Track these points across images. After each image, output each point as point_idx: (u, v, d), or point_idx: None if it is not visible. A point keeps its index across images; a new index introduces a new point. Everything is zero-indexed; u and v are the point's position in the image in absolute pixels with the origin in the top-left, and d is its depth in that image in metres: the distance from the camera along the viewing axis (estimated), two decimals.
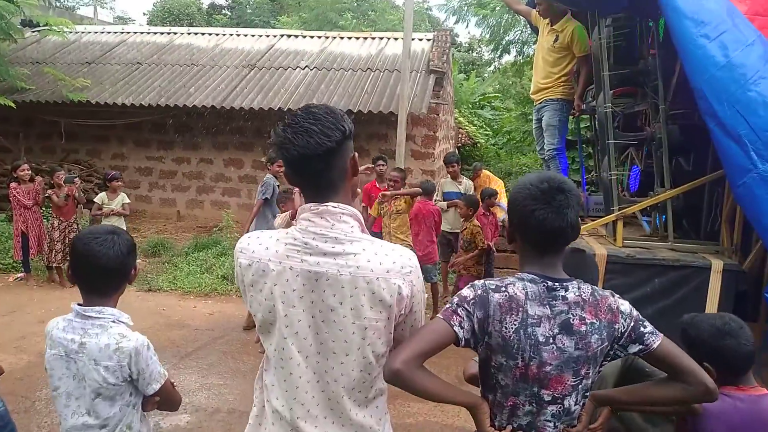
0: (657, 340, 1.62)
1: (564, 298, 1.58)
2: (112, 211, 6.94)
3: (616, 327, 1.60)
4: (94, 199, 7.12)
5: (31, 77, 10.31)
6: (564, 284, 1.60)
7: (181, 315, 6.19)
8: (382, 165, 6.95)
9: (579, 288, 1.61)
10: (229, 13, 29.74)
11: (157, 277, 7.44)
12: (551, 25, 4.41)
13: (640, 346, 1.62)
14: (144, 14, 29.72)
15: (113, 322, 1.82)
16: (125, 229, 7.16)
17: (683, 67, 3.32)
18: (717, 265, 3.26)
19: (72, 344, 1.79)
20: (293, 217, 5.37)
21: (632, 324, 1.62)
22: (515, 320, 1.55)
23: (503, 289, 1.59)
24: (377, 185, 6.89)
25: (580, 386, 1.59)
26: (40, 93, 10.03)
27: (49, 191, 6.90)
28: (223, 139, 10.51)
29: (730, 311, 3.25)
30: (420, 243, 5.97)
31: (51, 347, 1.84)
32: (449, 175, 7.26)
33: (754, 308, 3.43)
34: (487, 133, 20.00)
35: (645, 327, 1.63)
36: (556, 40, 4.38)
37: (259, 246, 1.52)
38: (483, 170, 8.62)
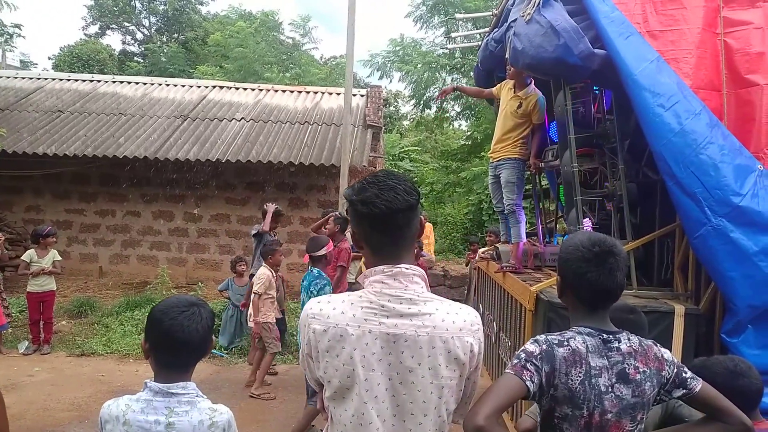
0: (698, 384, 1.80)
1: (618, 349, 1.72)
2: (43, 269, 6.39)
3: (663, 374, 1.76)
4: (22, 257, 6.52)
5: None
6: (617, 336, 1.74)
7: (124, 381, 5.73)
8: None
9: (629, 339, 1.76)
10: (142, 61, 28.97)
11: (89, 340, 6.87)
12: (515, 92, 4.76)
13: (684, 390, 1.78)
14: (49, 59, 28.19)
15: (198, 396, 1.72)
16: (55, 288, 6.63)
17: (638, 132, 3.73)
18: (680, 309, 3.58)
19: (156, 426, 1.65)
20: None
21: (675, 370, 1.78)
22: (580, 372, 1.66)
23: (565, 343, 1.69)
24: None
25: (635, 431, 1.71)
26: None
27: None
28: (152, 190, 10.07)
29: (692, 352, 3.60)
30: None
31: None
32: None
33: (707, 347, 3.77)
34: None
35: (686, 373, 1.81)
36: (519, 106, 4.72)
37: (334, 311, 1.51)
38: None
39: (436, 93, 5.68)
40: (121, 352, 6.54)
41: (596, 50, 3.61)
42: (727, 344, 3.46)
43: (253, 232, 6.59)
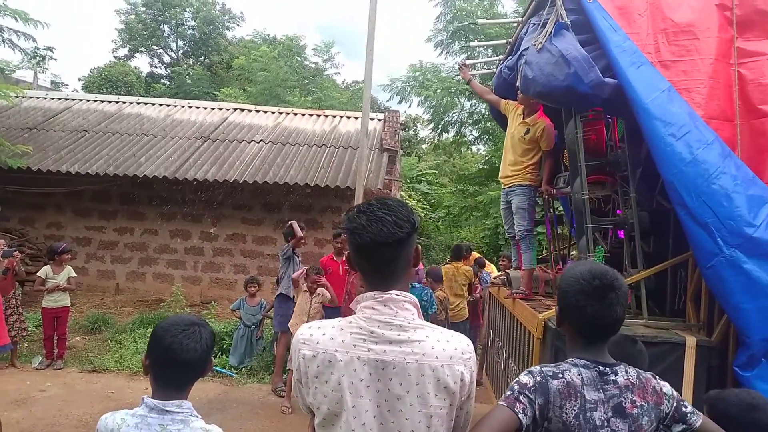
0: (698, 419, 1.76)
1: (615, 382, 1.68)
2: (58, 286, 6.50)
3: (662, 408, 1.72)
4: (38, 273, 6.65)
5: None
6: (614, 369, 1.71)
7: (133, 398, 5.74)
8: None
9: (627, 372, 1.72)
10: (168, 83, 29.72)
11: (101, 356, 6.93)
12: (524, 118, 4.77)
13: (684, 426, 1.75)
14: (79, 80, 29.08)
15: (192, 416, 1.73)
16: (69, 304, 6.73)
17: (650, 160, 3.70)
18: (691, 341, 3.50)
19: None
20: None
21: (675, 405, 1.75)
22: (574, 406, 1.63)
23: (560, 375, 1.66)
24: (334, 258, 6.91)
25: None
26: None
27: None
28: (170, 209, 10.24)
29: (704, 385, 3.50)
30: None
31: None
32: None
33: (720, 381, 3.66)
34: (425, 207, 20.64)
35: (686, 407, 1.77)
36: (527, 132, 4.73)
37: (323, 336, 1.51)
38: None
39: (460, 67, 5.74)
40: (132, 369, 6.58)
41: (607, 79, 3.61)
42: (741, 378, 3.35)
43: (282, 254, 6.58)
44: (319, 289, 5.85)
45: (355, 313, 1.56)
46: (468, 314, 7.66)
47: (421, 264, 6.54)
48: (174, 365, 1.73)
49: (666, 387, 1.76)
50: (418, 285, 5.85)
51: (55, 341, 6.66)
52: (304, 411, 1.63)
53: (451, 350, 1.48)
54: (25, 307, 7.37)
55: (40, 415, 5.16)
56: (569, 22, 3.81)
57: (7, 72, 17.36)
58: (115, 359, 6.82)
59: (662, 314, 4.21)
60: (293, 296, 6.30)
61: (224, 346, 7.12)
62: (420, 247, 1.64)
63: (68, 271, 6.68)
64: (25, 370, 6.47)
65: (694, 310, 3.83)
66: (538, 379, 1.65)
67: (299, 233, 6.33)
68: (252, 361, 6.92)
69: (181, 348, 1.72)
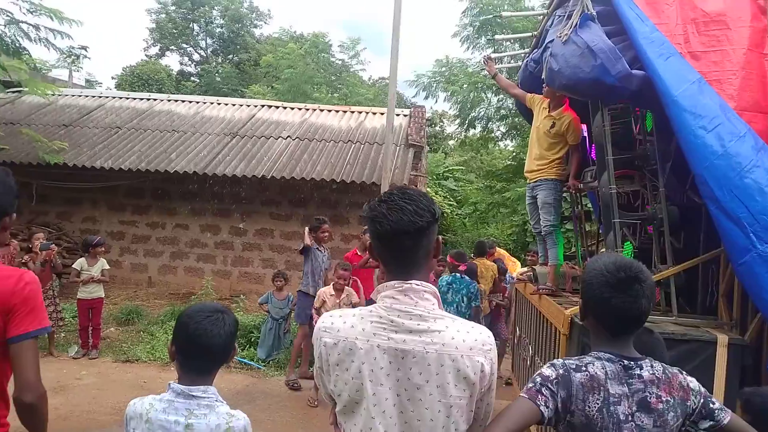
0: (727, 416, 1.72)
1: (640, 376, 1.65)
2: (93, 278, 6.70)
3: (688, 404, 1.69)
4: (73, 266, 6.87)
5: (4, 137, 10.09)
6: (638, 363, 1.68)
7: (163, 388, 5.80)
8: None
9: (652, 366, 1.69)
10: (198, 81, 30.21)
11: (134, 347, 7.13)
12: (549, 112, 4.72)
13: (711, 422, 1.71)
14: (112, 78, 29.86)
15: (217, 401, 1.79)
16: (103, 295, 6.93)
17: (681, 154, 3.62)
18: (723, 339, 3.41)
19: (176, 426, 1.73)
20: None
21: (702, 401, 1.71)
22: (598, 399, 1.61)
23: (583, 368, 1.65)
24: (359, 253, 6.96)
25: None
26: (14, 154, 9.80)
27: (25, 257, 6.63)
28: (200, 204, 10.43)
29: (736, 384, 3.42)
30: None
31: (148, 431, 1.76)
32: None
33: (755, 381, 3.57)
34: (451, 203, 20.55)
35: (714, 403, 1.73)
36: (552, 126, 4.68)
37: (344, 324, 1.53)
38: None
39: (485, 60, 5.72)
40: (164, 360, 6.75)
41: (634, 71, 3.54)
42: None
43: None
44: (346, 289, 5.85)
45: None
46: (490, 311, 7.62)
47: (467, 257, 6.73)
48: (199, 351, 1.79)
49: (693, 383, 1.73)
50: (466, 277, 6.07)
51: (90, 331, 6.87)
52: (325, 398, 1.66)
53: (471, 341, 1.48)
54: (61, 298, 7.62)
55: (77, 402, 5.35)
56: (595, 13, 3.76)
57: (43, 71, 17.93)
58: (147, 350, 7.00)
59: (693, 312, 4.13)
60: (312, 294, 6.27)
61: (252, 339, 7.25)
62: (440, 238, 1.65)
63: (102, 264, 6.89)
64: (62, 358, 6.71)
65: (726, 308, 3.74)
66: (561, 371, 1.64)
67: (306, 239, 6.44)
68: (280, 354, 7.02)
69: (206, 334, 1.77)
